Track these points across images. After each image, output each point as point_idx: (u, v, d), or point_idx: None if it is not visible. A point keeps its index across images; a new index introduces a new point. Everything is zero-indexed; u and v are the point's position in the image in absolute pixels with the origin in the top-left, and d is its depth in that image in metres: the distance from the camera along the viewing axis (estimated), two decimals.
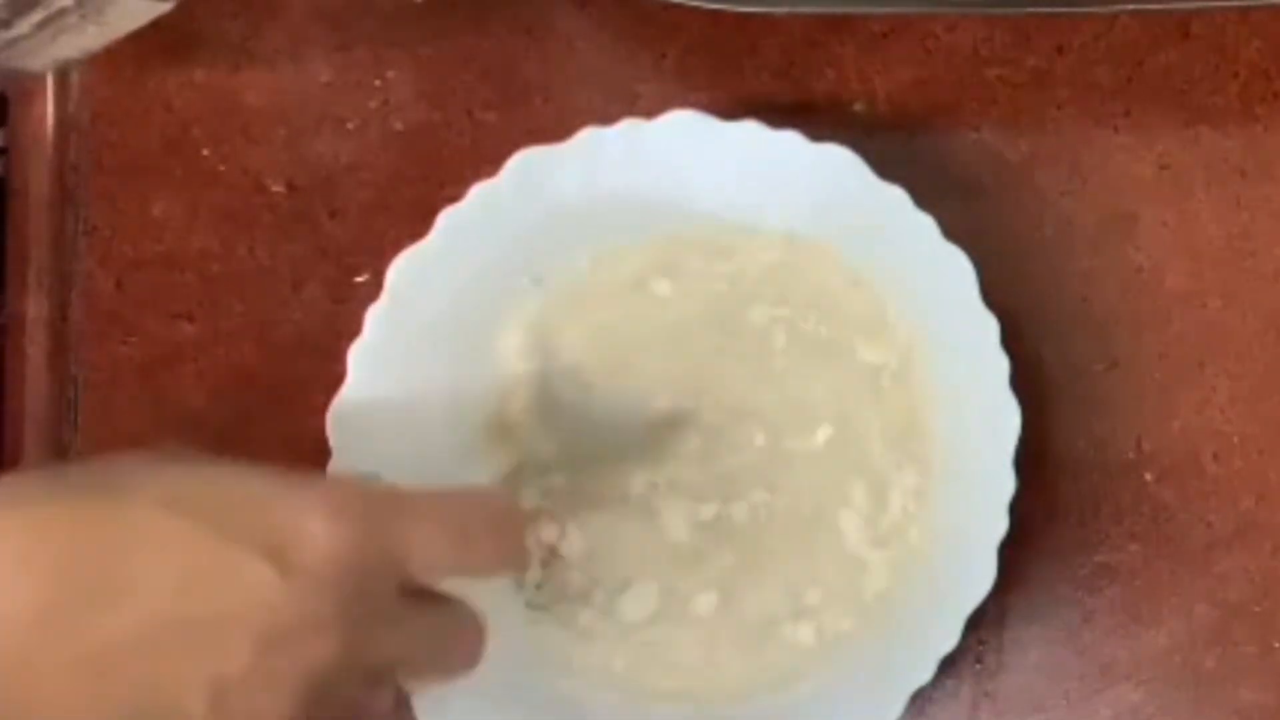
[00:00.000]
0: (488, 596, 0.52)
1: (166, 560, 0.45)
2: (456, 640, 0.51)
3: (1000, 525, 0.54)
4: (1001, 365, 0.55)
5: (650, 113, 0.56)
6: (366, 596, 0.47)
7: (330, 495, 0.47)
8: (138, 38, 0.56)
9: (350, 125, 0.60)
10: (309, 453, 0.56)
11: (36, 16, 0.52)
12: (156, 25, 0.55)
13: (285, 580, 0.46)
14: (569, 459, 0.57)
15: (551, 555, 0.57)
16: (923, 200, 0.55)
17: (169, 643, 0.45)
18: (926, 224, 0.55)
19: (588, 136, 0.56)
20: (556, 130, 0.56)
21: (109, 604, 0.45)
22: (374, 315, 0.56)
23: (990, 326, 0.55)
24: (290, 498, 0.47)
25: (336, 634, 0.46)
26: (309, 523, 0.46)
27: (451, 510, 0.50)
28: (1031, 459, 0.55)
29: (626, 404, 0.57)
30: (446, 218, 0.56)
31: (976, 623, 0.54)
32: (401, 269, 0.56)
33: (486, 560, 0.50)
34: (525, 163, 0.56)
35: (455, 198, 0.56)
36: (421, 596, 0.49)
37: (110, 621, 0.45)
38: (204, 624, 0.45)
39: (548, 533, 0.57)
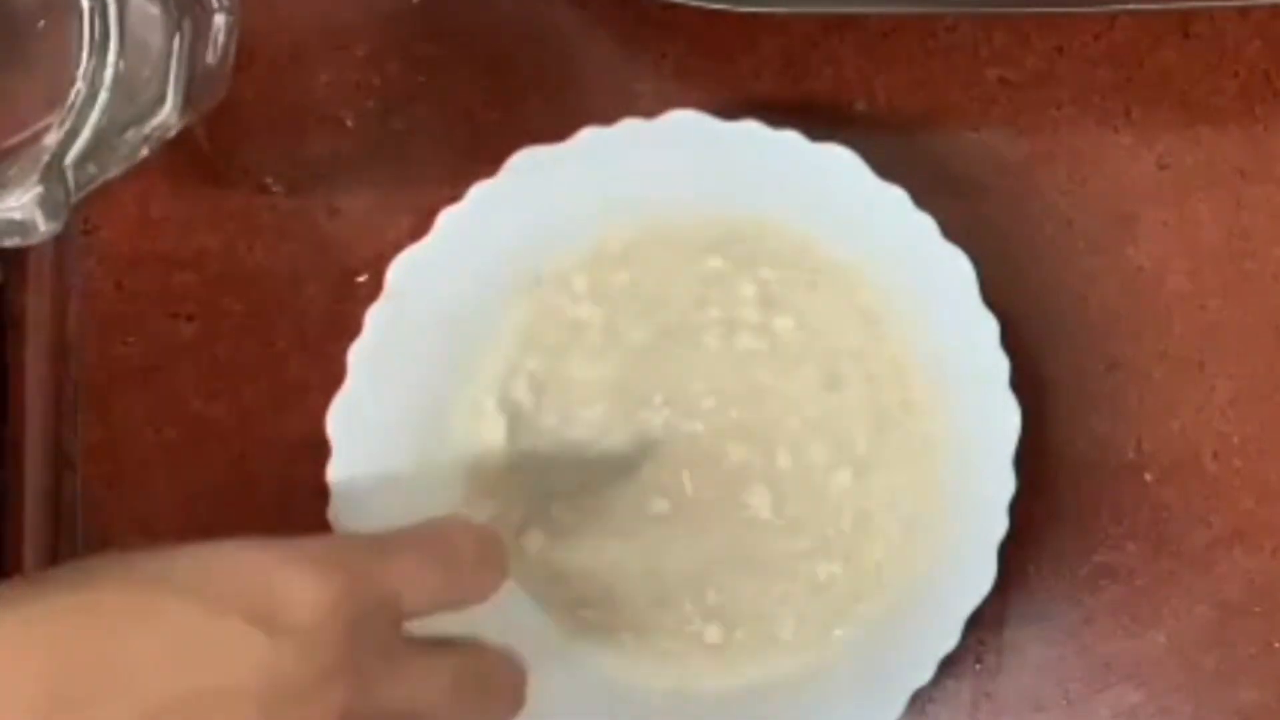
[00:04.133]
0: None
1: (159, 640, 0.45)
2: (491, 685, 0.51)
3: (1000, 525, 0.54)
4: (1001, 365, 0.55)
5: (650, 113, 0.56)
6: (364, 641, 0.47)
7: (309, 549, 0.47)
8: None
9: (350, 125, 0.60)
10: (309, 453, 0.56)
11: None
12: None
13: (278, 641, 0.45)
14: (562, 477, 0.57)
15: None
16: (923, 200, 0.55)
17: None
18: (926, 224, 0.55)
19: (588, 136, 0.56)
20: (556, 130, 0.56)
21: (109, 694, 0.44)
22: (374, 315, 0.56)
23: (990, 326, 0.55)
24: (269, 558, 0.47)
25: (341, 685, 0.46)
26: (292, 579, 0.46)
27: (432, 542, 0.50)
28: (1031, 459, 0.55)
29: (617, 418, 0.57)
30: (446, 218, 0.56)
31: (976, 623, 0.54)
32: (401, 269, 0.56)
33: (476, 585, 0.51)
34: (525, 163, 0.56)
35: (455, 198, 0.56)
36: (440, 643, 0.49)
37: (112, 712, 0.44)
38: (206, 699, 0.45)
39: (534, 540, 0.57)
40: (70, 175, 0.47)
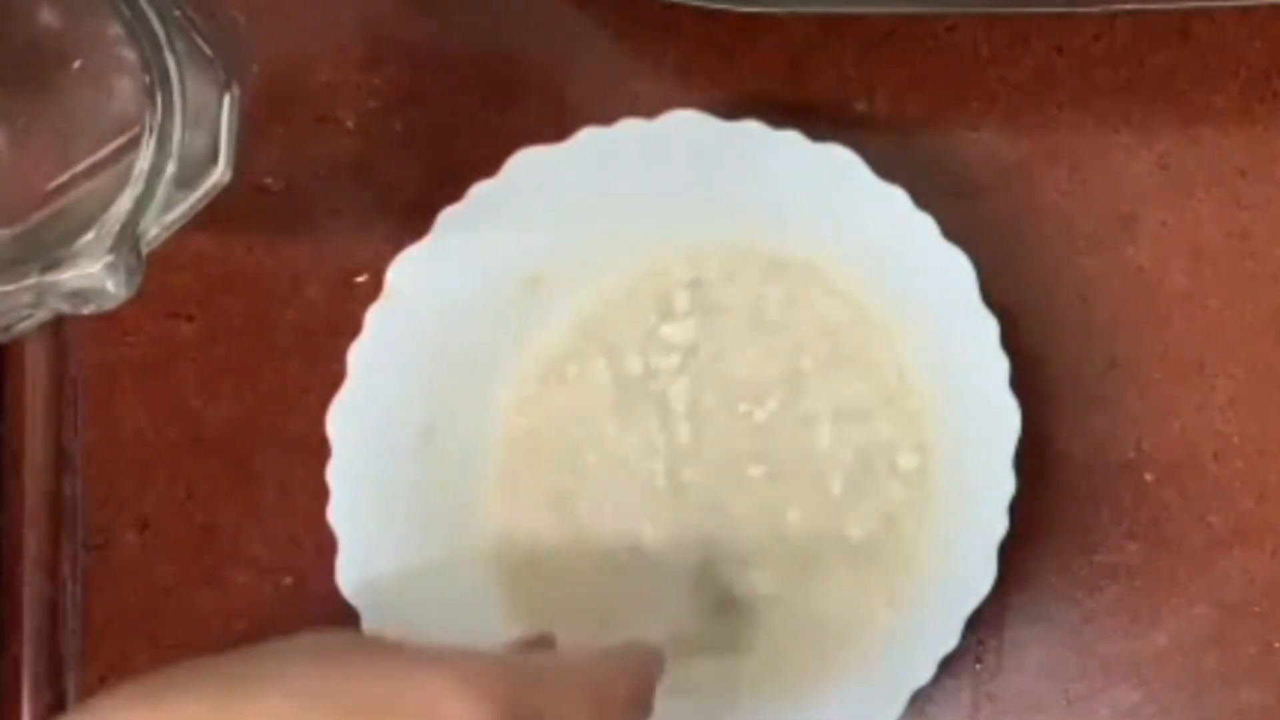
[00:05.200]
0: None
1: None
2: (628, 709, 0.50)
3: (1000, 525, 0.54)
4: (1001, 365, 0.55)
5: (650, 113, 0.56)
6: None
7: (466, 674, 0.46)
8: None
9: (350, 125, 0.60)
10: (309, 453, 0.57)
11: None
12: None
13: None
14: None
15: None
16: (923, 200, 0.55)
17: None
18: (926, 224, 0.55)
19: (587, 136, 0.56)
20: (556, 130, 0.56)
21: None
22: (374, 315, 0.56)
23: (990, 326, 0.55)
24: (425, 679, 0.46)
25: None
26: (444, 702, 0.46)
27: (589, 676, 0.49)
28: (1031, 459, 0.55)
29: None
30: (446, 218, 0.56)
31: (976, 623, 0.54)
32: (401, 269, 0.56)
33: (624, 718, 0.50)
34: (525, 163, 0.56)
35: (455, 198, 0.56)
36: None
37: None
38: None
39: None
40: (143, 243, 0.48)
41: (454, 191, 0.56)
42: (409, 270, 0.56)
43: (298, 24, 0.60)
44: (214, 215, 0.60)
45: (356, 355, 0.56)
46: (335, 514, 0.56)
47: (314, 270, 0.60)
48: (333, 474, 0.56)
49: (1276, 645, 0.57)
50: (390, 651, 0.48)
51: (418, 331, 0.56)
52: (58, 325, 0.60)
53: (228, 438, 0.60)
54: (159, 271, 0.60)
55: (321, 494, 0.56)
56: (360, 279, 0.59)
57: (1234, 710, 0.57)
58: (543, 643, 0.54)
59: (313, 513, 0.56)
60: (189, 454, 0.60)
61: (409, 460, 0.57)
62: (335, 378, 0.56)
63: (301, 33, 0.60)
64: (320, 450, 0.56)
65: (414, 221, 0.56)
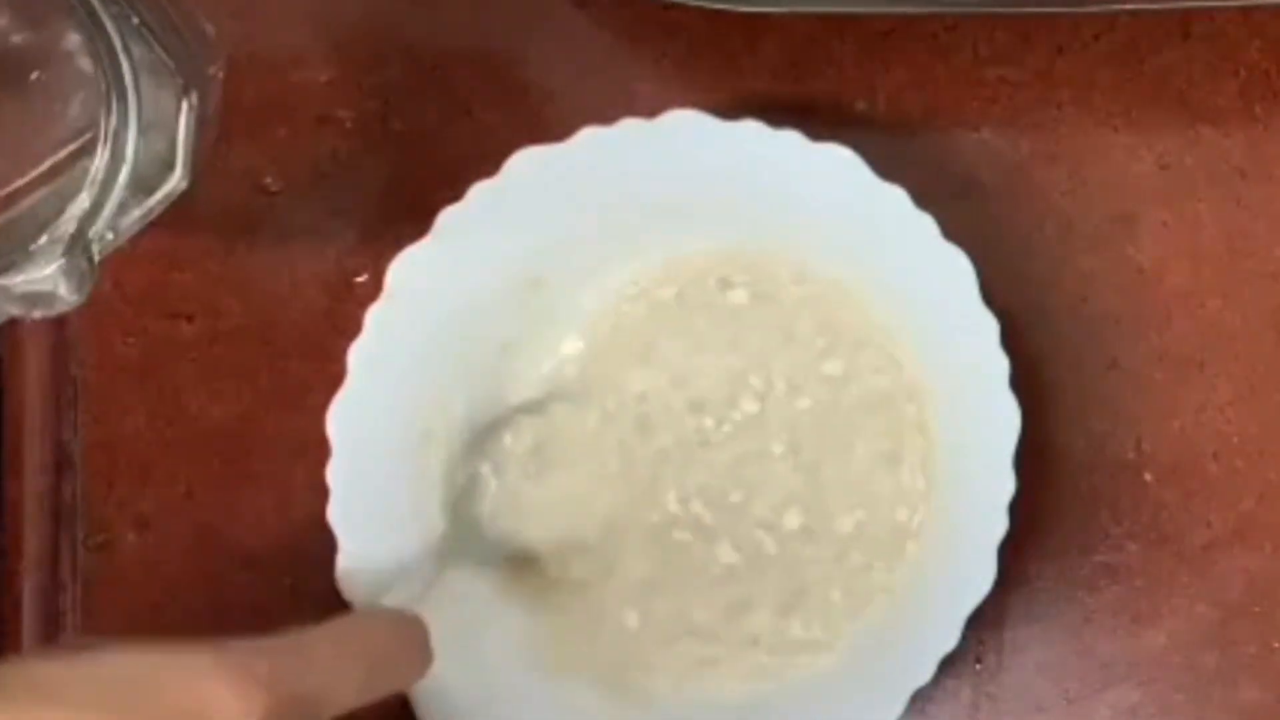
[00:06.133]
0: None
1: None
2: (400, 665, 0.51)
3: (1000, 525, 0.54)
4: (1001, 365, 0.55)
5: (650, 113, 0.56)
6: None
7: (232, 662, 0.47)
8: None
9: (350, 125, 0.60)
10: (309, 453, 0.57)
11: None
12: None
13: None
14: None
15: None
16: (923, 200, 0.55)
17: None
18: (926, 224, 0.55)
19: (587, 136, 0.56)
20: (556, 130, 0.56)
21: None
22: (374, 315, 0.56)
23: (990, 326, 0.55)
24: (193, 669, 0.47)
25: None
26: (217, 695, 0.46)
27: (356, 644, 0.50)
28: (1031, 459, 0.55)
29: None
30: (446, 218, 0.56)
31: (976, 623, 0.54)
32: (401, 269, 0.56)
33: (398, 675, 0.51)
34: (525, 163, 0.56)
35: (455, 198, 0.56)
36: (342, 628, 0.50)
37: None
38: None
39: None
40: (95, 248, 0.48)
41: (454, 191, 0.56)
42: (409, 270, 0.56)
43: (298, 24, 0.60)
44: (214, 215, 0.60)
45: (356, 355, 0.56)
46: (335, 514, 0.56)
47: (314, 270, 0.60)
48: (333, 474, 0.56)
49: (1276, 645, 0.57)
50: (157, 648, 0.48)
51: (418, 331, 0.56)
52: (58, 325, 0.60)
53: (228, 438, 0.60)
54: (159, 271, 0.60)
55: (321, 494, 0.56)
56: (360, 279, 0.59)
57: (1234, 710, 0.57)
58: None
59: (313, 513, 0.56)
60: (189, 454, 0.60)
61: (409, 460, 0.57)
62: (335, 378, 0.56)
63: (302, 33, 0.60)
64: (320, 450, 0.56)
65: (414, 221, 0.56)
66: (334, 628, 0.51)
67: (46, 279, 0.47)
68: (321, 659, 0.49)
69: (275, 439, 0.59)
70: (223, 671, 0.47)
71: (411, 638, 0.52)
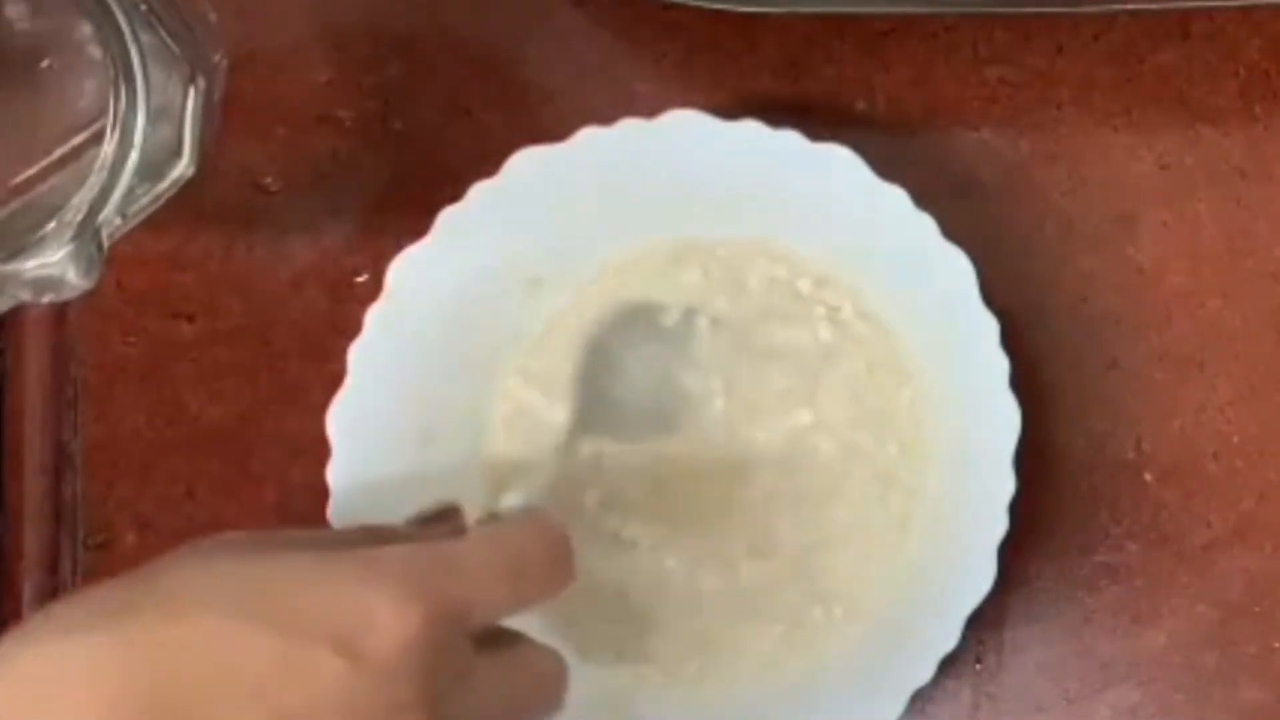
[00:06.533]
0: None
1: (235, 672, 0.44)
2: (537, 684, 0.50)
3: (1000, 525, 0.54)
4: (1001, 365, 0.55)
5: (650, 113, 0.56)
6: (442, 668, 0.46)
7: (388, 573, 0.46)
8: None
9: (350, 124, 0.60)
10: (309, 453, 0.57)
11: None
12: None
13: (359, 670, 0.45)
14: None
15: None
16: (923, 200, 0.55)
17: None
18: (926, 223, 0.55)
19: (587, 136, 0.56)
20: (556, 130, 0.56)
21: None
22: (374, 315, 0.56)
23: (990, 326, 0.55)
24: (347, 580, 0.46)
25: (419, 712, 0.45)
26: (374, 607, 0.45)
27: (504, 553, 0.49)
28: (1031, 459, 0.55)
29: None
30: (446, 218, 0.56)
31: (976, 623, 0.54)
32: (401, 269, 0.56)
33: (544, 589, 0.50)
34: (525, 163, 0.56)
35: (455, 198, 0.56)
36: (494, 642, 0.49)
37: None
38: None
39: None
40: (104, 234, 0.49)
41: (454, 191, 0.56)
42: (409, 270, 0.56)
43: (298, 23, 0.60)
44: (214, 215, 0.60)
45: (356, 355, 0.56)
46: (335, 514, 0.56)
47: (314, 270, 0.60)
48: (333, 474, 0.56)
49: (1276, 645, 0.57)
50: (306, 552, 0.47)
51: (418, 331, 0.56)
52: (58, 325, 0.60)
53: (227, 438, 0.60)
54: (159, 271, 0.60)
55: (321, 494, 0.56)
56: (360, 279, 0.59)
57: (1234, 710, 0.57)
58: (445, 516, 0.54)
59: (313, 513, 0.56)
60: (189, 454, 0.60)
61: (409, 460, 0.57)
62: (335, 378, 0.56)
63: (302, 32, 0.60)
64: (320, 450, 0.56)
65: (414, 221, 0.56)
66: (482, 537, 0.50)
67: (56, 264, 0.48)
68: (473, 569, 0.48)
69: (275, 439, 0.59)
70: (381, 584, 0.45)
71: (556, 548, 0.51)
